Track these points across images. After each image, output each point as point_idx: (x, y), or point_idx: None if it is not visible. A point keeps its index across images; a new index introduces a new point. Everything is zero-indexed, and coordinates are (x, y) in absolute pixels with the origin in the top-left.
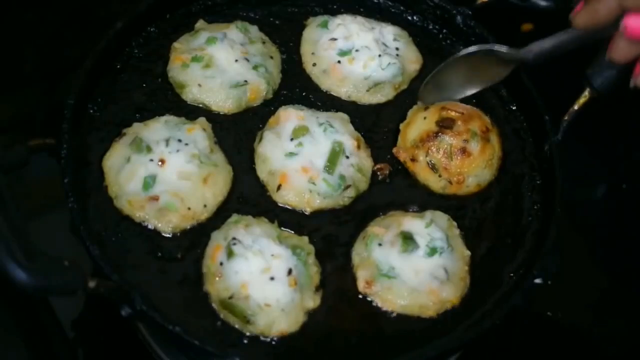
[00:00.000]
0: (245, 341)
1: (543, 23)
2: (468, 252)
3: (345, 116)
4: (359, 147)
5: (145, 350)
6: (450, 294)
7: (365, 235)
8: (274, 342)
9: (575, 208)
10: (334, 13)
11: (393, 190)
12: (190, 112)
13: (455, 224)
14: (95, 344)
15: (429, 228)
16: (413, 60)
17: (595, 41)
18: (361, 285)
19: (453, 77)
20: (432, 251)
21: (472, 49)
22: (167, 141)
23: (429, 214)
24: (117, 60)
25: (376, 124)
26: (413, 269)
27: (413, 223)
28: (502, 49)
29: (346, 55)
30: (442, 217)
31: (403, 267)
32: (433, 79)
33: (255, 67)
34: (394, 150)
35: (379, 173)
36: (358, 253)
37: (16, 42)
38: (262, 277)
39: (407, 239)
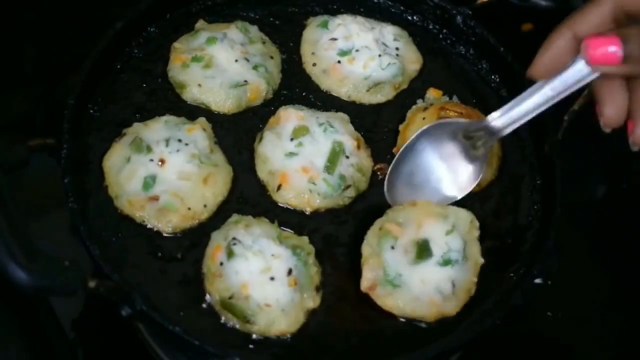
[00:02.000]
0: (245, 341)
1: (543, 23)
2: (482, 260)
3: (345, 116)
4: (359, 147)
5: (145, 350)
6: (451, 309)
7: (381, 226)
8: (274, 342)
9: (575, 208)
10: (334, 13)
11: None
12: (190, 112)
13: (477, 224)
14: (95, 344)
15: (449, 236)
16: (413, 60)
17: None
18: (364, 285)
19: (422, 167)
20: (446, 262)
21: (432, 124)
22: (167, 141)
23: (452, 215)
24: (117, 60)
25: (376, 124)
26: (420, 277)
27: (433, 228)
28: (460, 120)
29: (346, 55)
30: (465, 218)
31: (411, 275)
32: (396, 164)
33: (255, 67)
34: (394, 150)
35: (379, 173)
36: (370, 244)
37: (16, 42)
38: (262, 277)
39: (423, 250)
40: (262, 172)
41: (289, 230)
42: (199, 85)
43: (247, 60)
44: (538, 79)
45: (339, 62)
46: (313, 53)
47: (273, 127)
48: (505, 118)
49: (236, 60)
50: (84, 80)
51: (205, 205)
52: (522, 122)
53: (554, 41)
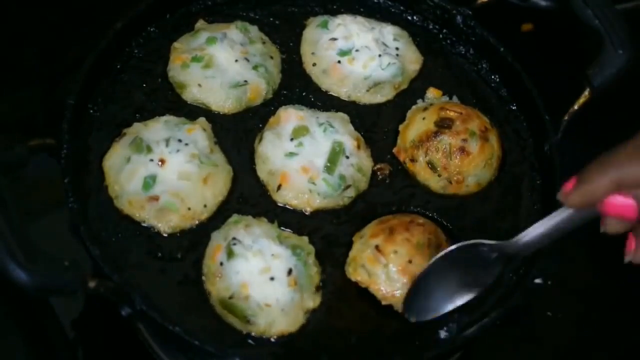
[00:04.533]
0: (245, 341)
1: (543, 23)
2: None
3: (345, 116)
4: (359, 147)
5: (145, 350)
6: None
7: None
8: (274, 342)
9: None
10: (334, 13)
11: (393, 190)
12: (190, 112)
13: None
14: (95, 344)
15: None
16: (413, 60)
17: (586, 220)
18: None
19: (440, 282)
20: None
21: (453, 246)
22: (167, 141)
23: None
24: (117, 60)
25: (376, 124)
26: None
27: None
28: (487, 242)
29: (346, 55)
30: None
31: None
32: (416, 287)
33: (255, 67)
34: (394, 150)
35: (379, 173)
36: None
37: (16, 42)
38: (262, 277)
39: None
40: (262, 172)
41: (289, 230)
42: (199, 85)
43: (247, 60)
44: (570, 207)
45: (339, 62)
46: (313, 53)
47: (273, 127)
48: (529, 238)
49: (236, 60)
50: (84, 80)
51: (205, 205)
52: (544, 242)
53: (598, 179)
